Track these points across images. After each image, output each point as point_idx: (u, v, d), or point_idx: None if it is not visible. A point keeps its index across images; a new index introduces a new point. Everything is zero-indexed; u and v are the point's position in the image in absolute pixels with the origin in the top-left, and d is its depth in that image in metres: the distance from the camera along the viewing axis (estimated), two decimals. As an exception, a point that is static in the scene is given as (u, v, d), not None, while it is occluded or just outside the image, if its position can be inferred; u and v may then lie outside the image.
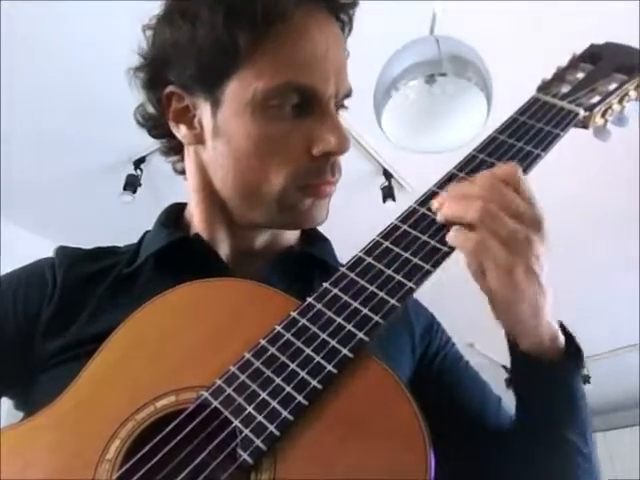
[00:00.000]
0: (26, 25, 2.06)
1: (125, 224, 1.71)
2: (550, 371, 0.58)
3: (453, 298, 2.37)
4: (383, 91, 1.68)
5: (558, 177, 2.14)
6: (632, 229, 2.87)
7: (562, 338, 0.59)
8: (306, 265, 0.69)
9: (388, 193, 2.72)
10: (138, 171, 2.68)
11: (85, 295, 0.65)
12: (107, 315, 0.63)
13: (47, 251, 0.73)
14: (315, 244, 0.74)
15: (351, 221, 2.17)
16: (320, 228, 0.76)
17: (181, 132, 0.66)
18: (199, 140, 0.65)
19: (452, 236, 0.54)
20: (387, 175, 2.76)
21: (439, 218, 0.56)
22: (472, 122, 1.75)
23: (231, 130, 0.62)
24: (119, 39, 2.10)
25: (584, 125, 0.65)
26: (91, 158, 2.68)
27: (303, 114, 0.61)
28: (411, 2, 1.86)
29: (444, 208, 0.56)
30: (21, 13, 2.00)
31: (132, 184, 2.66)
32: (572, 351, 0.59)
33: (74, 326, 0.63)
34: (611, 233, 2.99)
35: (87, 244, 0.74)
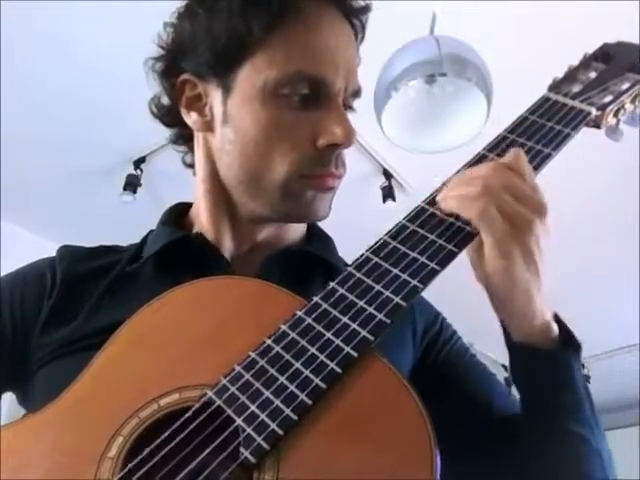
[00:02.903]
0: (27, 26, 2.06)
1: (125, 224, 1.71)
2: (543, 361, 0.57)
3: (454, 297, 2.37)
4: (383, 91, 1.68)
5: (559, 177, 2.13)
6: (632, 229, 2.86)
7: (555, 329, 0.58)
8: (306, 263, 0.69)
9: (388, 193, 2.71)
10: (138, 171, 2.68)
11: (85, 291, 0.66)
12: (107, 311, 0.63)
13: (47, 251, 0.73)
14: (316, 242, 0.73)
15: (351, 221, 2.17)
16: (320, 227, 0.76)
17: (192, 118, 0.67)
18: (208, 127, 0.66)
19: (456, 203, 0.54)
20: (387, 175, 2.75)
21: (442, 205, 0.56)
22: (472, 122, 1.75)
23: (240, 117, 0.63)
24: (119, 41, 2.11)
25: (596, 125, 0.64)
26: (91, 158, 2.68)
27: (311, 105, 0.62)
28: (411, 2, 1.86)
29: (446, 193, 0.56)
30: (22, 14, 2.00)
31: (132, 184, 2.67)
32: (568, 343, 0.58)
33: (74, 321, 0.63)
34: (611, 233, 2.99)
35: (87, 244, 0.74)
